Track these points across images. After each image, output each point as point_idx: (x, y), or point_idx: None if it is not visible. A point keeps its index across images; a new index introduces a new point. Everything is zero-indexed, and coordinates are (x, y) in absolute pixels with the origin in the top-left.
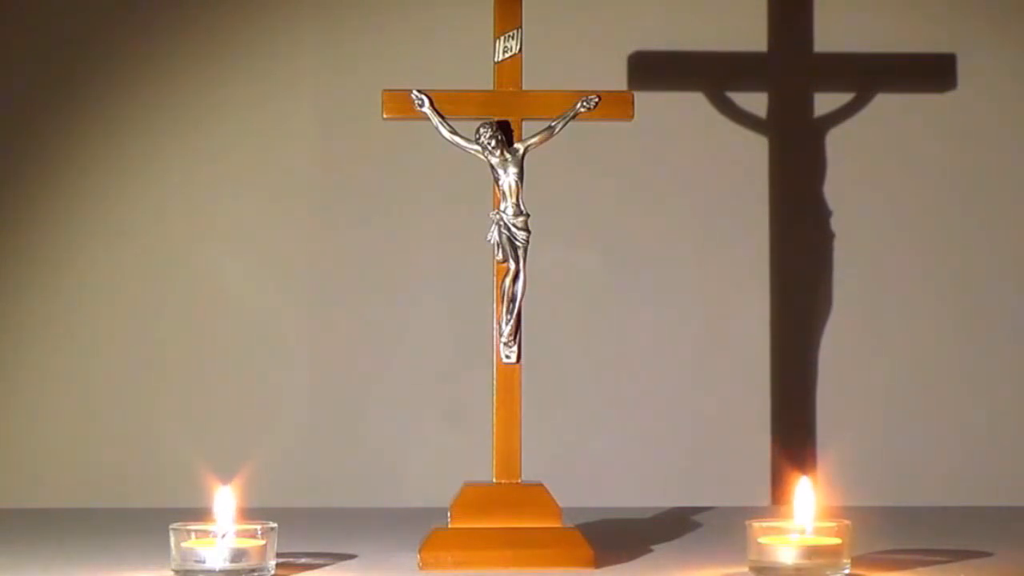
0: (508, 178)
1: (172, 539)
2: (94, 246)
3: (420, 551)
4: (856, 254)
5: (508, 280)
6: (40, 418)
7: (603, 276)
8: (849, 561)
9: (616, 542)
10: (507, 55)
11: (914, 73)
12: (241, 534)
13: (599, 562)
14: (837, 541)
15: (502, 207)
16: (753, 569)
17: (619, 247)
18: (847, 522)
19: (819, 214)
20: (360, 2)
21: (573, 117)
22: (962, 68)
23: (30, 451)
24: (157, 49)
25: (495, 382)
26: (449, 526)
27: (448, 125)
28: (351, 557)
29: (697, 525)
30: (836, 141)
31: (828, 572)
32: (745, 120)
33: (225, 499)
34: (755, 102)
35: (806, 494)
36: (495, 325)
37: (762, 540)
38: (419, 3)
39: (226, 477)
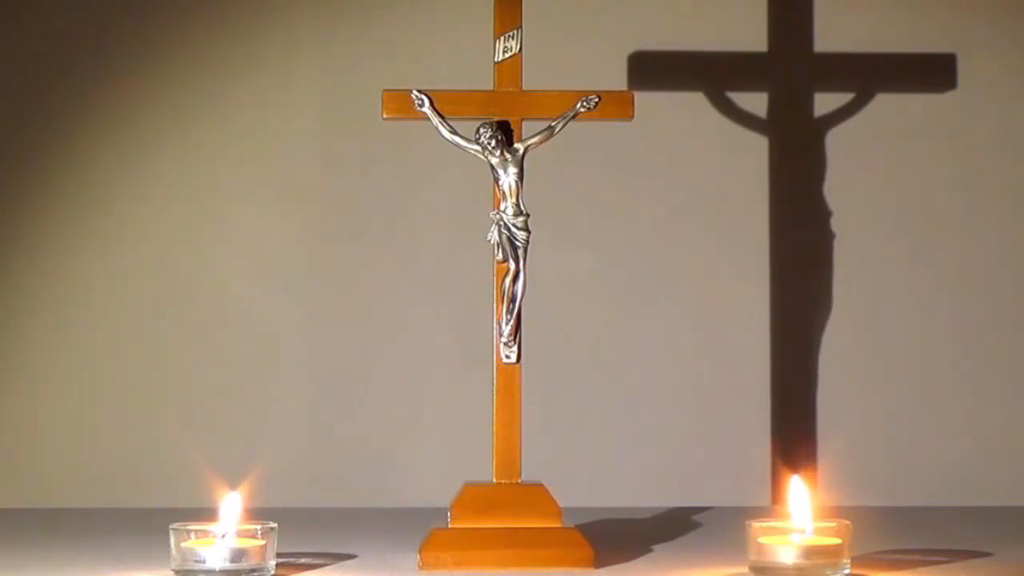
0: (508, 178)
1: (172, 539)
2: (94, 248)
3: (420, 551)
4: (856, 254)
5: (508, 280)
6: (40, 419)
7: (603, 276)
8: (849, 561)
9: (616, 542)
10: (507, 55)
11: (914, 73)
12: (241, 534)
13: (599, 562)
14: (837, 541)
15: (502, 207)
16: (753, 569)
17: (619, 247)
18: (847, 522)
19: (819, 214)
20: (360, 2)
21: (573, 117)
22: (962, 68)
23: (30, 451)
24: (156, 50)
25: (495, 382)
26: (449, 526)
27: (448, 125)
28: (351, 557)
29: (697, 525)
30: (836, 141)
31: (828, 572)
32: (745, 120)
33: (233, 504)
34: (755, 102)
35: (800, 492)
36: (495, 325)
37: (762, 540)
38: (419, 3)
39: (227, 477)
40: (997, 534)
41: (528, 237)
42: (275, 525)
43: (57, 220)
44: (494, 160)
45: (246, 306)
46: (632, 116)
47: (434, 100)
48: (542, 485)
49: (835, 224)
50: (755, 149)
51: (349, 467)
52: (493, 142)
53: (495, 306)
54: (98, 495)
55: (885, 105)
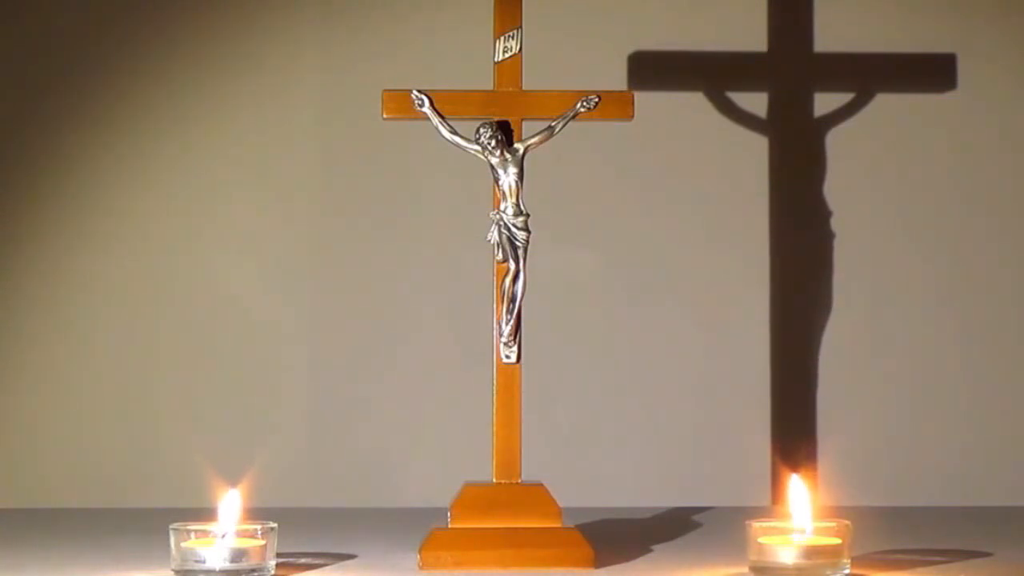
0: (508, 178)
1: (172, 539)
2: (94, 247)
3: (420, 551)
4: (856, 254)
5: (508, 280)
6: (41, 419)
7: (603, 276)
8: (849, 561)
9: (616, 542)
10: (507, 55)
11: (914, 73)
12: (241, 534)
13: (599, 562)
14: (837, 541)
15: (502, 207)
16: (753, 569)
17: (619, 247)
18: (847, 522)
19: (819, 214)
20: (360, 2)
21: (573, 117)
22: (962, 68)
23: (30, 451)
24: (156, 49)
25: (495, 382)
26: (449, 526)
27: (448, 125)
28: (351, 557)
29: (697, 525)
30: (836, 141)
31: (828, 572)
32: (745, 120)
33: (232, 502)
34: (755, 102)
35: (800, 492)
36: (495, 325)
37: (762, 540)
38: (419, 3)
39: (227, 477)
40: (997, 534)
41: (528, 237)
42: (275, 525)
43: (57, 220)
44: (494, 160)
45: (246, 306)
46: (632, 116)
47: (434, 100)
48: (542, 485)
49: (835, 224)
50: (755, 149)
51: (349, 467)
52: (493, 142)
53: (495, 306)
54: (98, 495)
55: (885, 105)
